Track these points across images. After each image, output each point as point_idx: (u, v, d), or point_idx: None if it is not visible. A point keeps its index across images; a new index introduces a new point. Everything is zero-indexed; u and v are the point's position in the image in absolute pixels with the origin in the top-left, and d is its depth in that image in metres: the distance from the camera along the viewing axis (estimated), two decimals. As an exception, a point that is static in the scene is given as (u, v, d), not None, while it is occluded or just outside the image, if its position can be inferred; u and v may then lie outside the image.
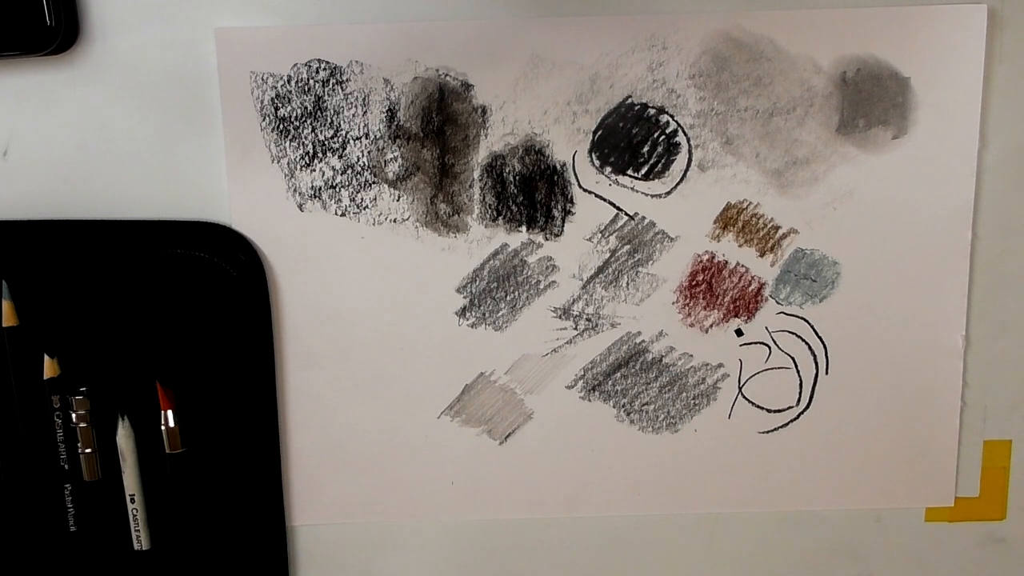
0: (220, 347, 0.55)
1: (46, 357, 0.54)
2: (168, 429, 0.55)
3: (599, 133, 0.54)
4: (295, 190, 0.54)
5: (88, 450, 0.55)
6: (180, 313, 0.55)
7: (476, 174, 0.54)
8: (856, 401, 0.58)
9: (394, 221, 0.55)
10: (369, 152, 0.54)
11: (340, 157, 0.54)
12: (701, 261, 0.56)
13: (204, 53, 0.52)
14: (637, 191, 0.55)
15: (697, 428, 0.58)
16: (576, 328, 0.57)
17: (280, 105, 0.53)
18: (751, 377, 0.58)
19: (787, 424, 0.58)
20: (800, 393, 0.58)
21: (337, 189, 0.54)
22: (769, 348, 0.57)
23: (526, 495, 0.59)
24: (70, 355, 0.55)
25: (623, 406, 0.58)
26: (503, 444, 0.58)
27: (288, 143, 0.54)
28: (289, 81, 0.53)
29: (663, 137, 0.54)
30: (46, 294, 0.54)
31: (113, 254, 0.54)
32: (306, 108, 0.53)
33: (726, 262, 0.56)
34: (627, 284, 0.56)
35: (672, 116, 0.54)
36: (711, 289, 0.56)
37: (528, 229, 0.55)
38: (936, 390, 0.58)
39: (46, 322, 0.54)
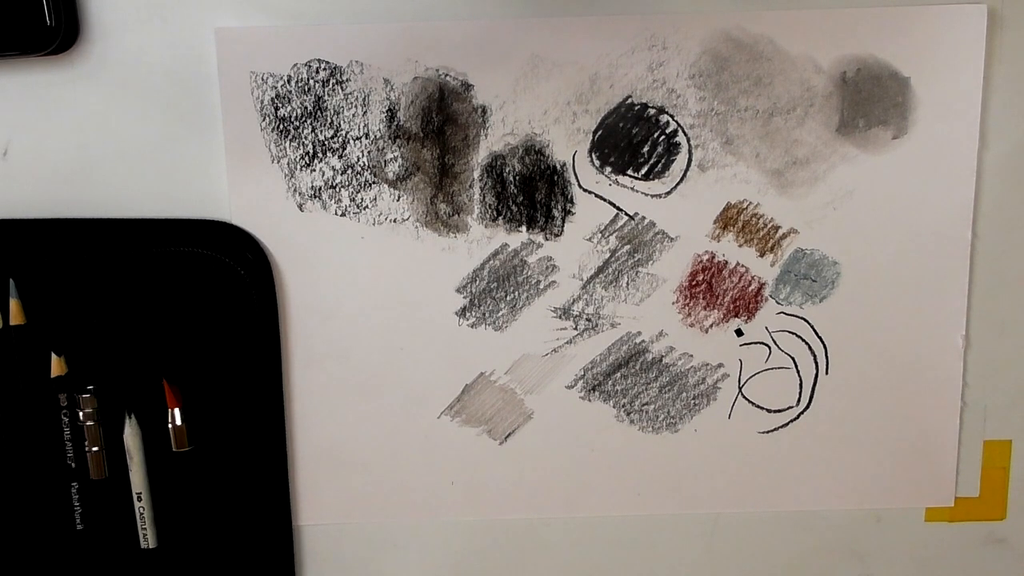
0: (227, 346, 0.54)
1: (53, 355, 0.53)
2: (175, 427, 0.54)
3: (599, 133, 0.52)
4: (295, 190, 0.53)
5: (95, 448, 0.54)
6: (187, 312, 0.53)
7: (476, 174, 0.53)
8: (856, 401, 0.56)
9: (394, 221, 0.53)
10: (369, 152, 0.52)
11: (340, 157, 0.52)
12: (701, 261, 0.54)
13: (204, 53, 0.51)
14: (637, 191, 0.53)
15: (697, 428, 0.57)
16: (576, 328, 0.55)
17: (280, 105, 0.52)
18: (751, 377, 0.56)
19: (787, 424, 0.57)
20: (800, 393, 0.56)
21: (337, 189, 0.53)
22: (769, 348, 0.56)
23: (526, 495, 0.57)
24: (77, 353, 0.53)
25: (623, 406, 0.56)
26: (503, 444, 0.57)
27: (288, 143, 0.52)
28: (289, 81, 0.51)
29: (663, 137, 0.53)
30: (53, 293, 0.53)
31: (121, 252, 0.52)
32: (306, 108, 0.52)
33: (726, 262, 0.54)
34: (627, 284, 0.55)
35: (672, 116, 0.52)
36: (711, 289, 0.55)
37: (528, 229, 0.54)
38: (936, 390, 0.56)
39: (53, 320, 0.53)
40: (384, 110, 0.51)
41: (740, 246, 0.54)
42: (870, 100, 0.52)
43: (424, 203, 0.53)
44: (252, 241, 0.52)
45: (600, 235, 0.53)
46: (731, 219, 0.53)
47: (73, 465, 0.54)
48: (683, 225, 0.53)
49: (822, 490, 0.57)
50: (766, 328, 0.55)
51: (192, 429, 0.54)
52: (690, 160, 0.52)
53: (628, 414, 0.56)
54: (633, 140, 0.52)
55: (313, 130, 0.51)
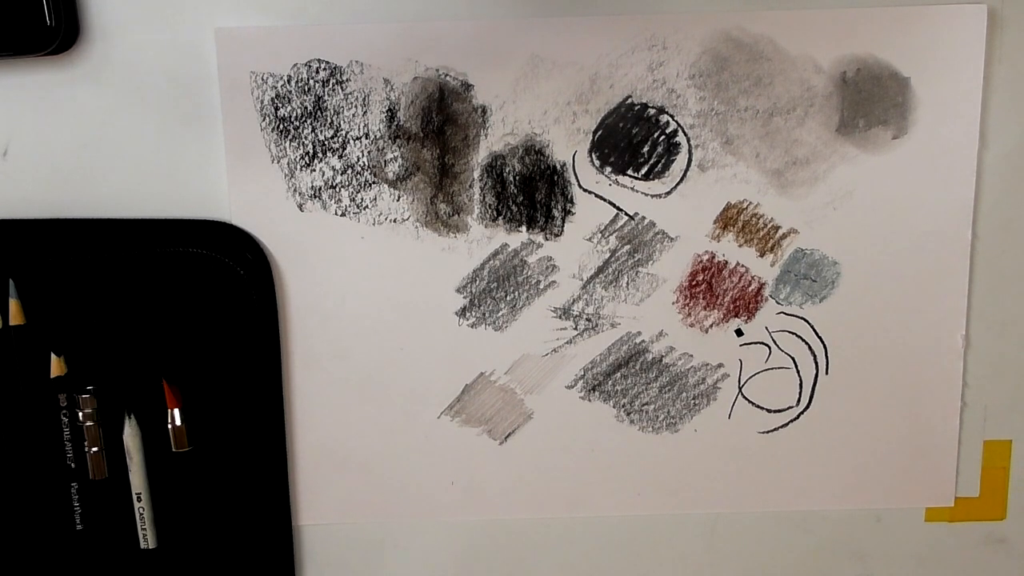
0: (226, 346, 0.53)
1: (53, 356, 0.52)
2: (174, 428, 0.54)
3: (599, 133, 0.52)
4: (295, 190, 0.52)
5: (95, 449, 0.54)
6: (186, 312, 0.53)
7: (476, 174, 0.53)
8: (856, 401, 0.56)
9: (394, 221, 0.53)
10: (369, 152, 0.52)
11: (340, 157, 0.52)
12: (701, 261, 0.54)
13: (204, 53, 0.51)
14: (637, 191, 0.53)
15: (697, 428, 0.56)
16: (576, 328, 0.55)
17: (280, 105, 0.51)
18: (751, 377, 0.56)
19: (787, 424, 0.56)
20: (800, 393, 0.56)
21: (337, 189, 0.52)
22: (769, 348, 0.55)
23: (526, 495, 0.57)
24: (77, 354, 0.53)
25: (623, 406, 0.56)
26: (503, 444, 0.56)
27: (288, 143, 0.52)
28: (289, 81, 0.51)
29: (663, 137, 0.52)
30: (53, 293, 0.52)
31: (120, 253, 0.52)
32: (306, 108, 0.51)
33: (726, 262, 0.54)
34: (627, 284, 0.54)
35: (672, 116, 0.52)
36: (711, 289, 0.54)
37: (528, 229, 0.53)
38: (936, 390, 0.56)
39: (53, 321, 0.52)
40: (384, 110, 0.51)
41: (740, 246, 0.53)
42: (870, 100, 0.52)
43: (424, 203, 0.52)
44: (252, 241, 0.52)
45: (600, 235, 0.53)
46: (731, 219, 0.53)
47: (73, 465, 0.53)
48: (683, 225, 0.53)
49: (822, 490, 0.57)
50: (766, 328, 0.55)
51: (192, 429, 0.54)
52: (690, 160, 0.52)
53: (628, 414, 0.56)
54: (633, 140, 0.52)
55: (313, 130, 0.51)
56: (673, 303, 0.54)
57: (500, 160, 0.52)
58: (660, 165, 0.52)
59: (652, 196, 0.53)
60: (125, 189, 0.52)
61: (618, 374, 0.55)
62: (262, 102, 0.51)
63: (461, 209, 0.53)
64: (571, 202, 0.53)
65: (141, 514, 0.54)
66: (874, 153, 0.52)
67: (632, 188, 0.53)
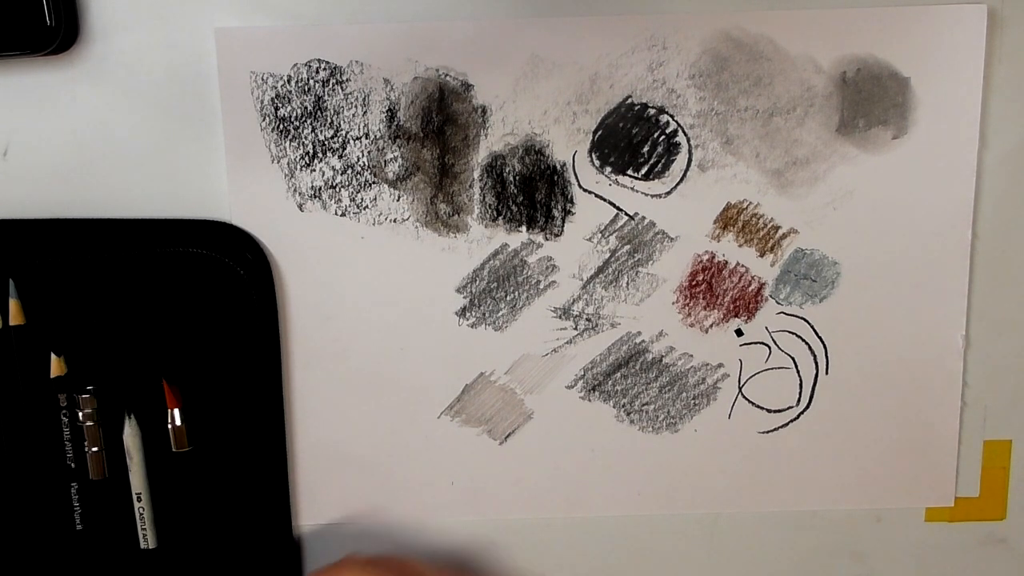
0: (227, 346, 0.53)
1: (53, 356, 0.52)
2: (175, 428, 0.54)
3: (599, 133, 0.52)
4: (295, 190, 0.52)
5: (95, 449, 0.53)
6: (187, 312, 0.53)
7: (476, 174, 0.53)
8: (856, 401, 0.56)
9: (394, 221, 0.53)
10: (369, 152, 0.52)
11: (340, 157, 0.52)
12: (701, 261, 0.54)
13: (204, 53, 0.51)
14: (637, 191, 0.53)
15: (697, 428, 0.56)
16: (576, 328, 0.55)
17: (280, 105, 0.51)
18: (751, 377, 0.56)
19: (787, 424, 0.56)
20: (800, 393, 0.56)
21: (337, 189, 0.52)
22: (769, 348, 0.55)
23: (526, 495, 0.57)
24: (77, 354, 0.53)
25: (623, 406, 0.56)
26: (503, 444, 0.56)
27: (288, 143, 0.52)
28: (289, 81, 0.51)
29: (663, 137, 0.52)
30: (53, 293, 0.52)
31: (120, 253, 0.52)
32: (306, 108, 0.51)
33: (726, 262, 0.54)
34: (627, 284, 0.54)
35: (672, 116, 0.52)
36: (711, 289, 0.54)
37: (528, 229, 0.53)
38: (936, 390, 0.56)
39: (53, 321, 0.52)
40: (384, 110, 0.51)
41: (740, 246, 0.53)
42: (870, 100, 0.52)
43: (424, 203, 0.52)
44: (252, 241, 0.52)
45: (600, 235, 0.53)
46: (731, 219, 0.53)
47: (73, 465, 0.53)
48: (683, 225, 0.53)
49: (822, 490, 0.57)
50: (766, 328, 0.55)
51: (192, 429, 0.54)
52: (690, 160, 0.52)
53: (628, 414, 0.56)
54: (633, 140, 0.52)
55: (313, 130, 0.51)
56: (673, 303, 0.54)
57: (500, 160, 0.52)
58: (660, 165, 0.52)
59: (652, 196, 0.53)
60: (125, 189, 0.52)
61: (618, 374, 0.55)
62: (262, 102, 0.51)
63: (461, 209, 0.53)
64: (571, 202, 0.53)
65: (141, 514, 0.54)
66: (874, 153, 0.52)
67: (632, 188, 0.53)
